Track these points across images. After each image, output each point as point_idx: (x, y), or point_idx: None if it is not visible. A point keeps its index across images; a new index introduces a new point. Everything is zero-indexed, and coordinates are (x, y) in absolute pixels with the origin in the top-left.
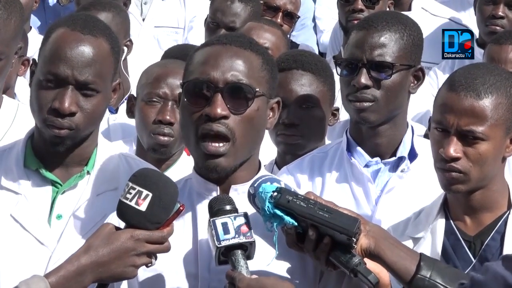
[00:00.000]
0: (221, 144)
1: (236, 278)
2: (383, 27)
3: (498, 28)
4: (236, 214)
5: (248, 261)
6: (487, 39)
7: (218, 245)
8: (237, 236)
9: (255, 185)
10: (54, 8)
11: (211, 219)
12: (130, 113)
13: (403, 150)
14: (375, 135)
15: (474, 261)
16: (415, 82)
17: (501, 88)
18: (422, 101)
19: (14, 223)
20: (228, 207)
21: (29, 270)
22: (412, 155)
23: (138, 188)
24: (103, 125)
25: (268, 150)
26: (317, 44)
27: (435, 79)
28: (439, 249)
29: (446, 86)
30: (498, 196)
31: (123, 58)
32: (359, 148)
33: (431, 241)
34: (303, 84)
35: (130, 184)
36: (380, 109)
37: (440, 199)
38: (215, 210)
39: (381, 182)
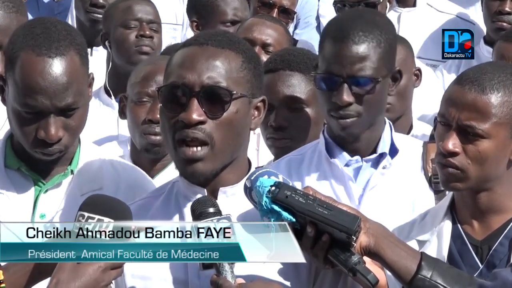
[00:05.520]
0: (199, 149)
1: (221, 286)
2: (360, 38)
3: (505, 24)
4: (219, 216)
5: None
6: (494, 35)
7: None
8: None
9: (252, 178)
10: (48, 4)
11: None
12: (122, 114)
13: (384, 147)
14: (355, 141)
15: (481, 266)
16: (393, 83)
17: (509, 86)
18: (428, 102)
19: None
20: (211, 210)
21: None
22: (393, 151)
23: (97, 216)
24: (113, 131)
25: (267, 150)
26: None
27: (441, 78)
28: (445, 253)
29: (455, 81)
30: (506, 199)
31: None
32: (338, 148)
33: (437, 245)
34: (290, 85)
35: (86, 214)
36: (363, 122)
37: (447, 201)
38: (198, 213)
39: (363, 180)
